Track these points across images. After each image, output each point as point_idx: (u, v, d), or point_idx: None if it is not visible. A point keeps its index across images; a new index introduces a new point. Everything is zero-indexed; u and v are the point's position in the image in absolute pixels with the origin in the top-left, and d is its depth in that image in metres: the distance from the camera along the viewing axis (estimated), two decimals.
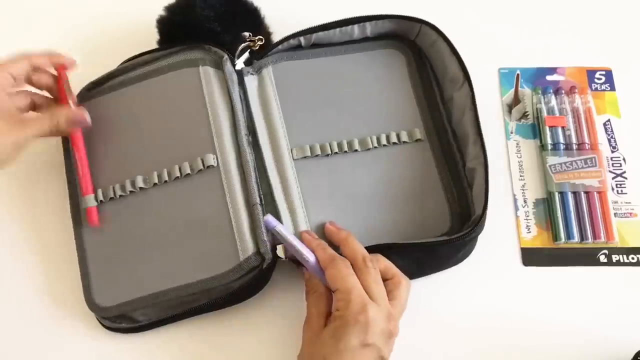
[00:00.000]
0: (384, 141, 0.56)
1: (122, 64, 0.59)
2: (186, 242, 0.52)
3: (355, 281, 0.47)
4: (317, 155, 0.56)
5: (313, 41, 0.60)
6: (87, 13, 0.68)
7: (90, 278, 0.53)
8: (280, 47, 0.59)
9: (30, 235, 0.58)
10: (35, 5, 0.69)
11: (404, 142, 0.57)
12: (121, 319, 0.53)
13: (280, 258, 0.52)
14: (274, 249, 0.51)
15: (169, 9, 0.59)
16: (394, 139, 0.56)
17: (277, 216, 0.52)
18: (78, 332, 0.54)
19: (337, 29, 0.59)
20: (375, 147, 0.56)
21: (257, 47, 0.59)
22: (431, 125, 0.58)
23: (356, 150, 0.56)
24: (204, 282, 0.51)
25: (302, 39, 0.59)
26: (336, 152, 0.56)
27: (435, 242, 0.51)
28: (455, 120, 0.58)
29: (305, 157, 0.56)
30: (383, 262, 0.49)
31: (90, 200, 0.55)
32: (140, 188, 0.54)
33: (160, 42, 0.60)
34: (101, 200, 0.55)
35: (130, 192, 0.54)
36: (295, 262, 0.52)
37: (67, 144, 0.57)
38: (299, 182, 0.55)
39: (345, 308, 0.45)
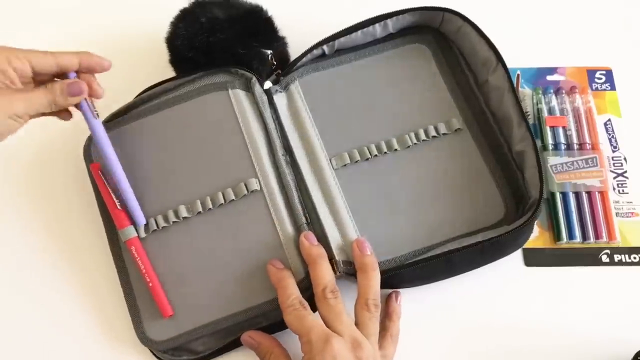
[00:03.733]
0: (422, 136, 0.56)
1: (140, 94, 0.58)
2: (236, 269, 0.51)
3: (312, 319, 0.46)
4: (357, 161, 0.55)
5: (336, 47, 0.59)
6: (95, 25, 0.68)
7: (140, 313, 0.52)
8: (304, 59, 0.58)
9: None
10: (40, 18, 0.69)
11: (444, 134, 0.56)
12: (180, 352, 0.52)
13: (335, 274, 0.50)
14: None
15: (177, 33, 0.58)
16: (432, 132, 0.56)
17: (323, 232, 0.52)
18: None
19: (359, 31, 0.58)
20: (415, 144, 0.55)
21: (275, 64, 0.58)
22: (469, 112, 0.57)
23: (396, 150, 0.55)
24: (258, 307, 0.50)
25: (325, 47, 0.58)
26: (376, 155, 0.55)
27: (499, 236, 0.50)
28: (494, 104, 0.57)
29: (345, 165, 0.55)
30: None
31: (129, 232, 0.53)
32: (184, 218, 0.53)
33: (172, 61, 0.60)
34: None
35: (174, 222, 0.53)
36: (351, 275, 0.51)
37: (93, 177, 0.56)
38: (343, 191, 0.54)
39: (309, 350, 0.44)
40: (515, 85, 0.62)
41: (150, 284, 0.52)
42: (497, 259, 0.54)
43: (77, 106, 0.50)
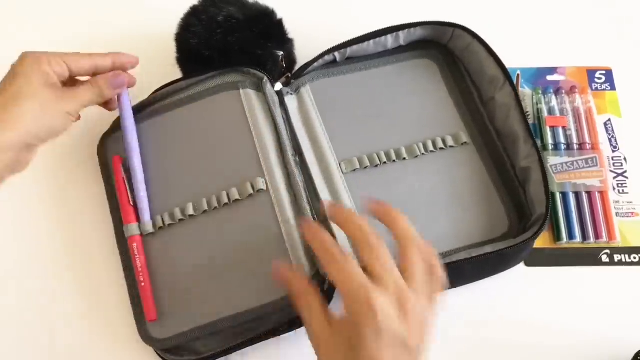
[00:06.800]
0: (430, 147, 0.56)
1: (153, 93, 0.58)
2: (240, 269, 0.51)
3: (351, 270, 0.40)
4: (366, 167, 0.55)
5: (348, 55, 0.60)
6: (101, 24, 0.68)
7: (143, 310, 0.52)
8: (315, 64, 0.58)
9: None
10: (47, 17, 0.69)
11: (451, 146, 0.56)
12: (182, 351, 0.51)
13: None
14: None
15: (192, 31, 0.57)
16: (440, 144, 0.56)
17: (332, 234, 0.51)
18: None
19: (371, 41, 0.59)
20: (423, 154, 0.56)
21: (285, 67, 0.58)
22: (474, 127, 0.58)
23: (404, 159, 0.56)
24: (261, 308, 0.50)
25: (337, 53, 0.59)
26: (385, 162, 0.55)
27: (508, 247, 0.50)
28: (499, 121, 0.58)
29: (354, 170, 0.55)
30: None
31: (133, 229, 0.54)
32: (190, 216, 0.53)
33: (180, 60, 0.60)
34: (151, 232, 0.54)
35: (180, 220, 0.53)
36: None
37: (106, 172, 0.57)
38: (351, 195, 0.54)
39: (351, 311, 0.39)
40: (516, 88, 0.62)
41: (142, 284, 0.52)
42: (501, 271, 0.54)
43: (118, 96, 0.54)
